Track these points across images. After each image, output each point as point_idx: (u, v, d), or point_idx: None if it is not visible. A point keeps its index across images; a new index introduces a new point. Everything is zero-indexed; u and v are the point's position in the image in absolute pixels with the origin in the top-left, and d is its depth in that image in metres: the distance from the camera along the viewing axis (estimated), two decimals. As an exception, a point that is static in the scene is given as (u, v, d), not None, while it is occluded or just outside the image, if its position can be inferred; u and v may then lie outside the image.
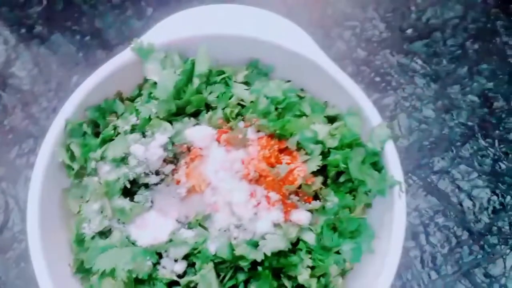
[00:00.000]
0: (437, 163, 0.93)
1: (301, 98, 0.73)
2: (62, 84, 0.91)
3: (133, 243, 0.62)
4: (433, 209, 0.90)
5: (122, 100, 0.71)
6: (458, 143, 0.94)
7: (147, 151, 0.62)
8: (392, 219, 0.65)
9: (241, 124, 0.67)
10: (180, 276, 0.62)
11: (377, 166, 0.68)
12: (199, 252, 0.61)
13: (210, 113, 0.69)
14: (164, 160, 0.64)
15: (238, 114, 0.69)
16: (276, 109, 0.69)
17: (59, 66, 0.93)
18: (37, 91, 0.90)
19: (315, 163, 0.65)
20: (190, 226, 0.63)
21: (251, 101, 0.69)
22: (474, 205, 0.90)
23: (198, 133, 0.65)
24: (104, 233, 0.64)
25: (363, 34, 1.02)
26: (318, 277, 0.64)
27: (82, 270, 0.63)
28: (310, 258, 0.63)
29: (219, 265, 0.61)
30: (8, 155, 0.85)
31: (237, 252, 0.60)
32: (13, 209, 0.82)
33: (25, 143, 0.86)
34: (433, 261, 0.87)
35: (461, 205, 0.90)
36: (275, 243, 0.60)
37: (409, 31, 1.03)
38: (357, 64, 0.99)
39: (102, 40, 0.95)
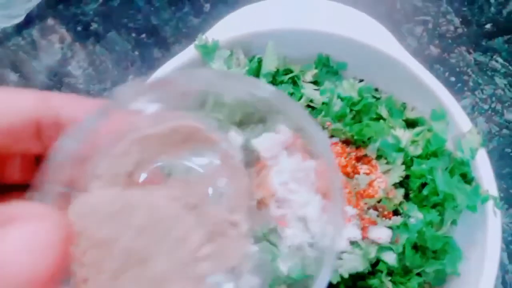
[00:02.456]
0: (521, 172, 0.84)
1: (377, 99, 0.66)
2: (117, 84, 0.88)
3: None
4: (517, 225, 0.81)
5: (183, 101, 0.67)
6: (546, 151, 0.84)
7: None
8: (485, 239, 0.57)
9: (312, 129, 0.61)
10: (245, 295, 0.56)
11: (466, 177, 0.60)
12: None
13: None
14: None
15: (308, 117, 0.62)
16: (351, 111, 0.63)
17: (114, 65, 0.90)
18: (92, 91, 0.88)
19: (398, 174, 0.58)
20: (256, 242, 0.58)
21: (323, 103, 0.63)
22: None
23: (266, 141, 0.59)
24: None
25: (436, 30, 0.93)
26: (399, 302, 0.57)
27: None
28: (391, 280, 0.56)
29: (291, 286, 0.55)
30: (64, 156, 0.83)
31: (309, 272, 0.54)
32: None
33: (80, 144, 0.84)
34: (517, 283, 0.78)
35: (551, 221, 0.80)
36: (353, 263, 0.54)
37: (488, 26, 0.93)
38: (430, 62, 0.90)
39: (158, 38, 0.91)
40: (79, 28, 0.93)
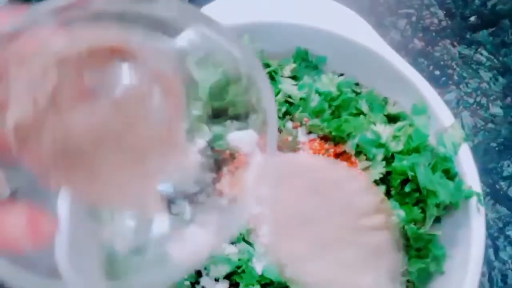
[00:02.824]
0: (506, 167, 0.82)
1: (357, 94, 0.64)
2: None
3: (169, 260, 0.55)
4: (503, 220, 0.79)
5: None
6: (532, 145, 0.83)
7: (185, 156, 0.55)
8: (470, 236, 0.56)
9: (290, 125, 0.59)
10: (222, 299, 0.54)
11: (449, 173, 0.58)
12: (243, 271, 0.53)
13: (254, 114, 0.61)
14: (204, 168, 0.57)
15: (286, 113, 0.60)
16: (330, 107, 0.60)
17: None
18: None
19: (378, 170, 0.56)
20: (232, 241, 0.56)
21: (301, 98, 0.61)
22: (553, 216, 0.78)
23: (241, 137, 0.57)
24: (139, 249, 0.57)
25: (419, 23, 0.91)
26: (381, 303, 0.55)
27: (113, 288, 0.57)
28: (372, 281, 0.54)
29: (266, 286, 0.53)
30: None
31: (288, 273, 0.52)
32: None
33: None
34: (504, 279, 0.76)
35: (537, 216, 0.79)
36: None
37: (473, 18, 0.92)
38: (414, 56, 0.88)
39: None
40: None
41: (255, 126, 0.59)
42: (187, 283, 0.53)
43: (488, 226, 0.80)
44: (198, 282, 0.55)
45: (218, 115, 0.61)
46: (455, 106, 0.86)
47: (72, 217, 0.56)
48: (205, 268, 0.54)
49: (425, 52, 0.89)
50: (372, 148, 0.56)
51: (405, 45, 0.89)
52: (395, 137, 0.59)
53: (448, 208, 0.58)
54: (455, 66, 0.88)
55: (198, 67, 0.60)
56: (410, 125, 0.61)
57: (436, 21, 0.91)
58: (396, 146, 0.58)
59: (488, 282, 0.76)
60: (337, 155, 0.58)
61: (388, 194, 0.58)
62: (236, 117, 0.61)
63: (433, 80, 0.88)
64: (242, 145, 0.56)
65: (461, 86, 0.87)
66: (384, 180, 0.58)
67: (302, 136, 0.58)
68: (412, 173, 0.56)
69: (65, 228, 0.55)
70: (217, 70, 0.60)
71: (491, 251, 0.79)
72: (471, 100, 0.86)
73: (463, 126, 0.85)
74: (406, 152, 0.58)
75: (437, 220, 0.60)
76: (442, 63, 0.88)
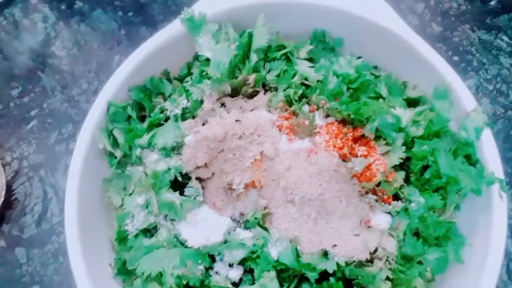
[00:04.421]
0: (526, 156, 0.80)
1: (376, 77, 0.62)
2: (102, 65, 0.84)
3: (182, 244, 0.54)
4: (522, 210, 0.77)
5: (169, 79, 0.63)
6: (553, 134, 0.80)
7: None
8: (491, 224, 0.54)
9: (306, 108, 0.57)
10: (235, 285, 0.53)
11: (470, 159, 0.56)
12: (258, 256, 0.52)
13: (269, 94, 0.59)
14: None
15: (302, 96, 0.58)
16: (348, 89, 0.58)
17: (100, 45, 0.85)
18: (77, 72, 0.84)
19: (398, 156, 0.54)
20: (247, 226, 0.54)
21: (318, 81, 0.59)
22: None
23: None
24: (150, 231, 0.56)
25: (438, 7, 0.88)
26: (398, 291, 0.53)
27: (124, 272, 0.56)
28: (390, 269, 0.52)
29: (282, 273, 0.52)
30: (47, 141, 0.79)
31: (304, 259, 0.50)
32: (52, 199, 0.76)
33: (65, 128, 0.80)
34: (521, 271, 0.74)
35: (557, 206, 0.76)
36: (350, 251, 0.50)
37: (493, 3, 0.89)
38: (432, 41, 0.85)
39: (146, 16, 0.87)
40: (63, 7, 0.88)
41: (270, 106, 0.58)
42: (201, 267, 0.52)
43: (507, 216, 0.78)
44: (212, 268, 0.54)
45: (232, 95, 0.60)
46: (475, 93, 0.83)
47: (85, 197, 0.55)
48: (219, 253, 0.53)
49: (443, 37, 0.86)
50: (392, 132, 0.55)
51: (423, 29, 0.87)
52: (415, 122, 0.57)
53: (469, 194, 0.56)
54: (474, 52, 0.85)
55: (214, 42, 0.58)
56: (431, 109, 0.59)
57: (455, 5, 0.88)
58: (416, 131, 0.56)
59: (506, 274, 0.74)
60: (356, 140, 0.56)
61: (407, 180, 0.56)
62: (249, 96, 0.60)
63: (452, 66, 0.84)
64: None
65: (480, 73, 0.84)
66: (403, 166, 0.56)
67: (319, 119, 0.56)
68: (433, 159, 0.54)
69: (76, 208, 0.54)
70: (231, 46, 0.58)
71: (509, 242, 0.77)
72: (490, 87, 0.83)
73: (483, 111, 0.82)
74: (427, 137, 0.56)
75: (457, 207, 0.58)
76: (461, 48, 0.86)
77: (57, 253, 0.73)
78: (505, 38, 0.86)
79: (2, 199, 0.73)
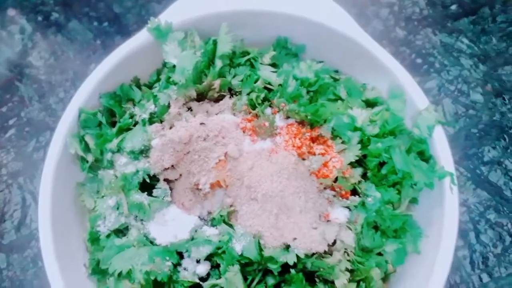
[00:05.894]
0: (487, 152, 0.84)
1: (335, 80, 0.65)
2: (79, 73, 0.86)
3: (152, 242, 0.56)
4: (484, 204, 0.81)
5: (139, 86, 0.66)
6: (511, 131, 0.84)
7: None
8: (443, 215, 0.57)
9: (268, 111, 0.61)
10: (203, 279, 0.56)
11: (424, 155, 0.60)
12: (223, 252, 0.54)
13: (233, 98, 0.62)
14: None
15: (264, 99, 0.62)
16: (308, 92, 0.62)
17: (76, 54, 0.88)
18: (54, 81, 0.86)
19: (353, 153, 0.57)
20: (213, 223, 0.57)
21: (279, 85, 0.62)
22: (531, 199, 0.80)
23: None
24: (121, 231, 0.59)
25: (402, 12, 0.92)
26: (358, 282, 0.56)
27: (98, 271, 0.58)
28: (349, 260, 0.56)
29: (246, 267, 0.55)
30: (25, 149, 0.82)
31: (267, 253, 0.53)
32: (31, 205, 0.78)
33: (42, 136, 0.82)
34: (485, 262, 0.78)
35: (516, 199, 0.80)
36: (309, 244, 0.53)
37: (453, 7, 0.93)
38: (396, 44, 0.90)
39: (120, 26, 0.90)
40: (39, 18, 0.91)
41: (234, 109, 0.61)
42: (169, 263, 0.55)
43: (469, 211, 0.82)
44: (180, 264, 0.56)
45: (198, 99, 0.63)
46: (437, 93, 0.87)
47: (58, 201, 0.57)
48: (187, 250, 0.55)
49: (407, 40, 0.90)
50: (347, 132, 0.58)
51: (388, 34, 0.91)
52: (372, 121, 0.61)
53: (424, 189, 0.59)
54: (436, 54, 0.89)
55: (180, 49, 0.61)
56: (387, 109, 0.62)
57: (417, 10, 0.93)
58: (372, 130, 0.60)
59: (469, 265, 0.78)
60: (314, 139, 0.59)
61: (364, 176, 0.59)
62: (215, 100, 0.63)
63: (415, 68, 0.89)
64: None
65: (442, 74, 0.88)
66: (360, 163, 0.60)
67: (280, 121, 0.59)
68: (387, 156, 0.58)
69: (50, 212, 0.56)
70: (197, 53, 0.61)
71: (472, 234, 0.80)
72: (452, 87, 0.87)
73: (444, 113, 0.86)
74: (382, 135, 0.59)
75: (415, 201, 0.61)
76: (423, 51, 0.90)
77: (36, 258, 0.75)
78: (465, 41, 0.91)
79: (-19, 206, 0.75)
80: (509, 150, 0.83)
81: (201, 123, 0.57)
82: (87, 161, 0.60)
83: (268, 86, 0.63)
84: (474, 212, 0.81)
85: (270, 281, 0.55)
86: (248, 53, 0.65)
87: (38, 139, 0.82)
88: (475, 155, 0.84)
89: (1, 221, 0.77)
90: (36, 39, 0.89)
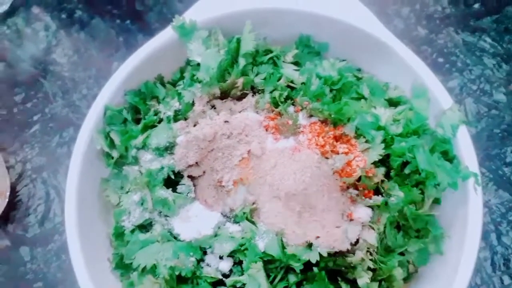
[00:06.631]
0: (510, 153, 0.83)
1: (358, 79, 0.65)
2: (102, 71, 0.88)
3: (176, 238, 0.57)
4: (506, 206, 0.80)
5: (163, 84, 0.66)
6: (535, 131, 0.83)
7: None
8: (466, 216, 0.57)
9: (291, 109, 0.61)
10: (225, 276, 0.56)
11: (447, 155, 0.59)
12: (246, 249, 0.55)
13: (256, 96, 0.63)
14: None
15: (287, 98, 0.62)
16: (331, 91, 0.62)
17: (99, 52, 0.89)
18: (77, 78, 0.88)
19: (377, 152, 0.57)
20: (236, 220, 0.57)
21: (302, 83, 0.62)
22: (555, 201, 0.79)
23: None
24: (145, 227, 0.60)
25: (423, 10, 0.92)
26: (380, 281, 0.56)
27: (122, 266, 0.59)
28: (371, 259, 0.56)
29: (269, 264, 0.55)
30: (49, 144, 0.83)
31: (289, 251, 0.53)
32: (54, 200, 0.80)
33: (66, 132, 0.84)
34: (506, 264, 0.77)
35: (539, 201, 0.79)
36: (332, 242, 0.54)
37: (476, 5, 0.92)
38: (417, 44, 0.89)
39: (142, 24, 0.91)
40: (63, 16, 0.92)
41: (257, 107, 0.61)
42: (192, 259, 0.55)
43: (491, 212, 0.81)
44: (203, 260, 0.57)
45: (222, 97, 0.63)
46: (459, 92, 0.86)
47: (84, 196, 0.59)
48: (210, 246, 0.56)
49: (428, 39, 0.89)
50: (371, 131, 0.58)
51: (409, 33, 0.90)
52: (395, 120, 0.60)
53: (448, 189, 0.59)
54: (458, 53, 0.88)
55: (204, 47, 0.62)
56: (410, 109, 0.62)
57: (439, 8, 0.92)
58: (396, 129, 0.59)
59: (490, 266, 0.77)
60: (337, 138, 0.59)
61: (387, 176, 0.59)
62: (238, 98, 0.63)
63: (437, 67, 0.89)
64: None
65: (464, 73, 0.87)
66: (384, 162, 0.59)
67: (303, 119, 0.60)
68: (411, 155, 0.57)
69: (75, 207, 0.57)
70: (221, 51, 0.62)
71: (493, 236, 0.79)
72: (474, 87, 0.87)
73: (466, 113, 0.85)
74: (406, 134, 0.59)
75: (437, 201, 0.61)
76: (445, 50, 0.89)
77: (60, 251, 0.77)
78: (488, 40, 0.90)
79: (7, 200, 0.77)
80: (532, 151, 0.82)
81: (225, 121, 0.57)
82: (112, 157, 0.61)
83: (291, 84, 0.63)
84: (495, 213, 0.80)
85: (292, 278, 0.55)
86: (271, 51, 0.65)
87: (61, 134, 0.84)
88: (497, 155, 0.83)
89: (26, 215, 0.79)
90: (60, 36, 0.91)
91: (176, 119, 0.61)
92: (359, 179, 0.57)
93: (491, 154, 0.83)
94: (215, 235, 0.56)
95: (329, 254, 0.54)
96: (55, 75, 0.88)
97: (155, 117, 0.62)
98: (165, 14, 0.91)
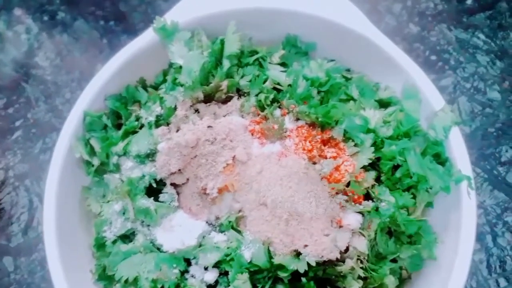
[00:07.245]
0: (505, 152, 0.81)
1: (347, 79, 0.63)
2: (85, 74, 0.85)
3: (159, 248, 0.55)
4: (501, 206, 0.78)
5: (145, 87, 0.64)
6: (531, 129, 0.81)
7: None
8: (460, 220, 0.55)
9: (278, 112, 0.59)
10: (211, 287, 0.54)
11: (440, 158, 0.57)
12: (232, 259, 0.53)
13: (242, 100, 0.60)
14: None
15: (273, 101, 0.60)
16: (319, 93, 0.60)
17: (82, 54, 0.87)
18: (60, 82, 0.85)
19: (366, 156, 0.55)
20: (221, 229, 0.55)
21: (289, 85, 0.60)
22: (551, 201, 0.77)
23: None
24: (128, 237, 0.57)
25: (415, 7, 0.90)
26: (371, 289, 0.54)
27: (105, 277, 0.57)
28: (362, 267, 0.54)
29: (255, 274, 0.53)
30: (32, 151, 0.81)
31: (277, 260, 0.51)
32: (38, 208, 0.78)
33: (49, 138, 0.81)
34: (502, 266, 0.75)
35: (535, 201, 0.77)
36: (321, 251, 0.52)
37: (469, 1, 0.90)
38: (409, 41, 0.87)
39: (127, 25, 0.88)
40: (45, 18, 0.90)
41: (242, 111, 0.59)
42: (176, 271, 0.53)
43: (486, 213, 0.79)
44: (187, 271, 0.55)
45: (206, 100, 0.61)
46: (452, 91, 0.84)
47: (63, 205, 0.56)
48: (194, 257, 0.54)
49: (421, 37, 0.87)
50: (360, 134, 0.56)
51: (401, 30, 0.88)
52: (385, 122, 0.58)
53: (440, 193, 0.57)
54: (451, 51, 0.86)
55: (187, 49, 0.60)
56: (401, 110, 0.60)
57: (432, 5, 0.90)
58: (386, 131, 0.57)
59: (486, 269, 0.76)
60: (325, 142, 0.57)
61: (378, 180, 0.57)
62: (223, 102, 0.61)
63: (429, 65, 0.87)
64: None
65: (457, 71, 0.85)
66: (374, 166, 0.57)
67: (289, 123, 0.57)
68: (402, 158, 0.55)
69: (55, 217, 0.55)
70: (204, 53, 0.60)
71: (489, 237, 0.78)
72: (468, 85, 0.85)
73: (460, 112, 0.83)
74: (396, 137, 0.57)
75: (430, 205, 0.59)
76: (438, 47, 0.87)
77: (44, 261, 0.75)
78: (482, 36, 0.88)
79: (-11, 209, 0.75)
80: (527, 150, 0.81)
81: (209, 126, 0.55)
82: (93, 165, 0.59)
83: (277, 86, 0.61)
84: (491, 214, 0.78)
85: (280, 289, 0.53)
86: (257, 52, 0.63)
87: (44, 140, 0.81)
88: (492, 155, 0.81)
89: (8, 224, 0.77)
90: (42, 39, 0.88)
91: (157, 125, 0.58)
92: (348, 184, 0.55)
93: (485, 154, 0.81)
94: (200, 245, 0.54)
95: (317, 263, 0.52)
96: (37, 79, 0.86)
97: (136, 122, 0.59)
98: (149, 14, 0.89)
